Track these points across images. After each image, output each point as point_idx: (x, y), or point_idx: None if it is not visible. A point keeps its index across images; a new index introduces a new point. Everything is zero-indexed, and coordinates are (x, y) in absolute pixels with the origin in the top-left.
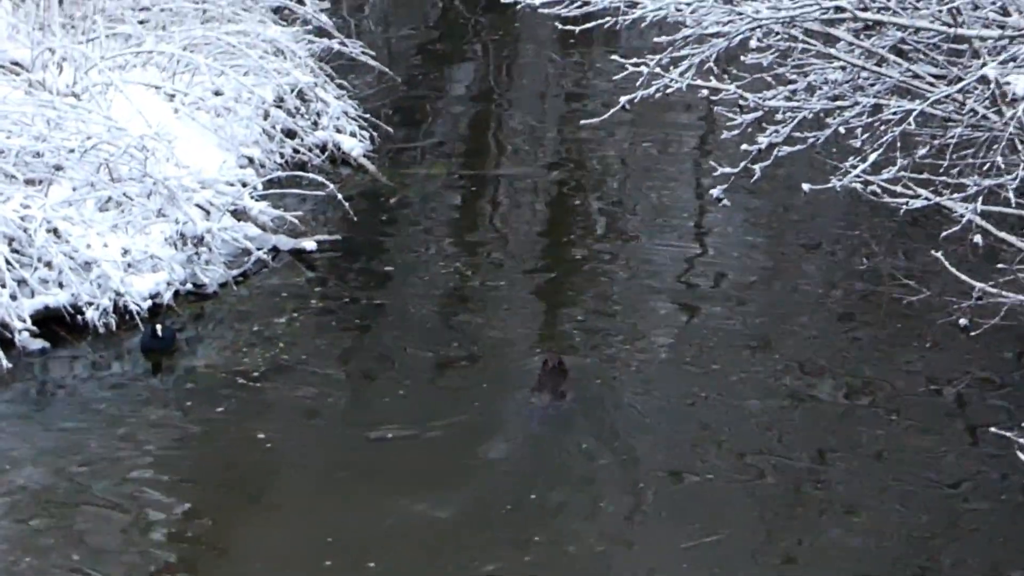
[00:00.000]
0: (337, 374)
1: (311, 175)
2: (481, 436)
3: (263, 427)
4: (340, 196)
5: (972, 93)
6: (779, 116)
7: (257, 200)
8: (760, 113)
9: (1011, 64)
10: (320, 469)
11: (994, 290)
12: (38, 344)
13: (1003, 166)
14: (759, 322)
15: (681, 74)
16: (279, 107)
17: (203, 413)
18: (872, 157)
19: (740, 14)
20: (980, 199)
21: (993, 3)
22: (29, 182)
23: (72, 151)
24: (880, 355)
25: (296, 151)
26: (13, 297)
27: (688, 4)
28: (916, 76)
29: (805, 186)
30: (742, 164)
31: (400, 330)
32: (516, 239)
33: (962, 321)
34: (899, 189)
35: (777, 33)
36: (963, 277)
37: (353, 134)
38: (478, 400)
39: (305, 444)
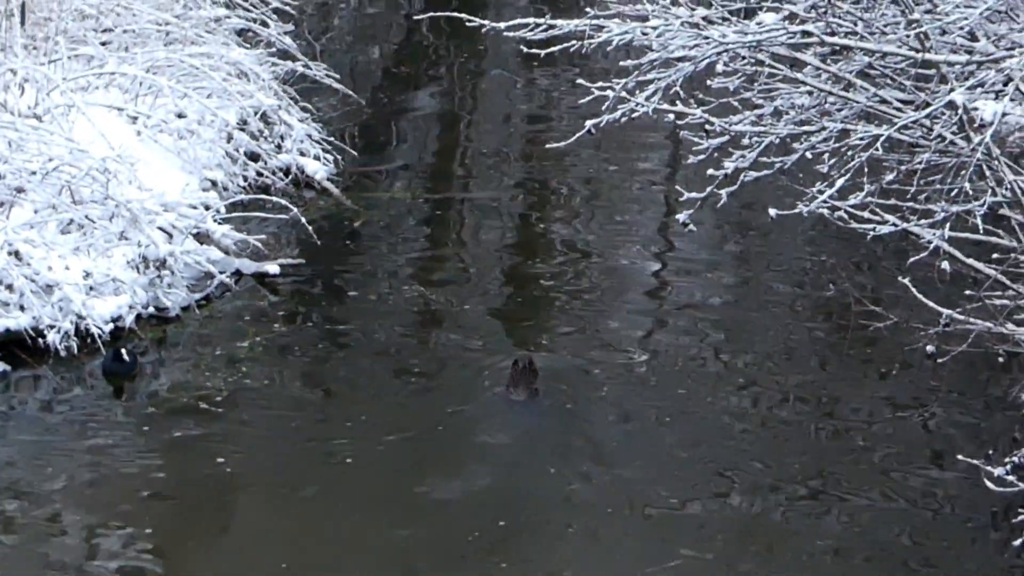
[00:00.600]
0: (299, 398)
1: (274, 198)
2: (444, 460)
3: (225, 450)
4: (304, 220)
5: (940, 118)
6: (745, 141)
7: (220, 223)
8: (726, 138)
9: (979, 89)
10: (281, 493)
11: (962, 317)
12: None
13: (971, 192)
14: (725, 346)
15: (647, 98)
16: (243, 130)
17: (165, 436)
18: (839, 182)
19: (707, 38)
20: (948, 225)
21: (961, 28)
22: None
23: (34, 173)
24: (847, 381)
25: (260, 174)
26: None
27: (654, 28)
28: (883, 101)
29: (772, 211)
30: (708, 189)
31: (363, 354)
32: (481, 262)
33: (929, 348)
34: (866, 215)
35: (744, 57)
36: (930, 304)
37: (317, 157)
38: (442, 424)
39: (267, 468)
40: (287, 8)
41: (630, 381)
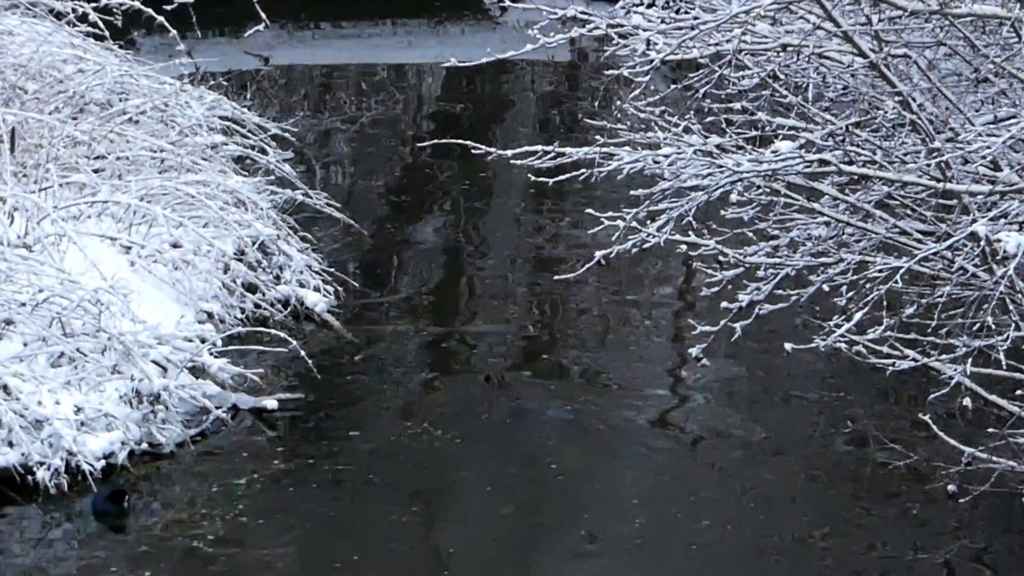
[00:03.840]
0: (296, 539)
1: (273, 331)
2: None
3: None
4: (303, 353)
5: (961, 250)
6: (760, 272)
7: (216, 357)
8: (741, 269)
9: (1002, 220)
10: None
11: (984, 455)
12: None
13: (993, 326)
14: (737, 485)
15: (659, 228)
16: (240, 260)
17: None
18: (857, 316)
19: (720, 167)
20: (969, 360)
21: (983, 158)
22: None
23: (23, 304)
24: (865, 522)
25: (257, 306)
26: None
27: (666, 156)
28: (903, 232)
29: (787, 346)
30: (722, 323)
31: (366, 494)
32: (488, 396)
33: (950, 488)
34: (885, 349)
35: (759, 187)
36: (951, 442)
37: (317, 288)
38: (450, 567)
39: None
40: (286, 135)
41: (628, 533)
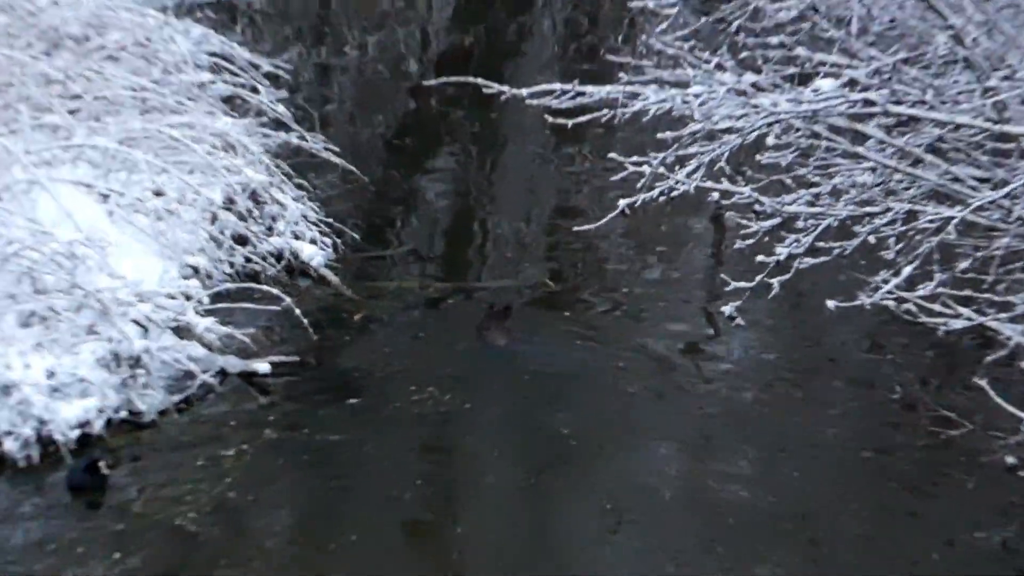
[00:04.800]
0: (290, 516)
1: (265, 287)
2: None
3: None
4: (298, 312)
5: (1020, 199)
6: (800, 223)
7: (203, 316)
8: (778, 220)
9: None
10: None
11: None
12: None
13: None
14: (777, 459)
15: (688, 175)
16: (229, 209)
17: (137, 562)
18: (906, 271)
19: (756, 107)
20: None
21: None
22: None
23: None
24: (916, 497)
25: (248, 260)
26: None
27: (696, 96)
28: (956, 179)
29: (830, 303)
30: (758, 278)
31: (365, 466)
32: (500, 358)
33: (1009, 459)
34: (937, 307)
35: (798, 129)
36: (1010, 409)
37: (313, 241)
38: (443, 552)
39: None
40: (280, 72)
41: (668, 504)
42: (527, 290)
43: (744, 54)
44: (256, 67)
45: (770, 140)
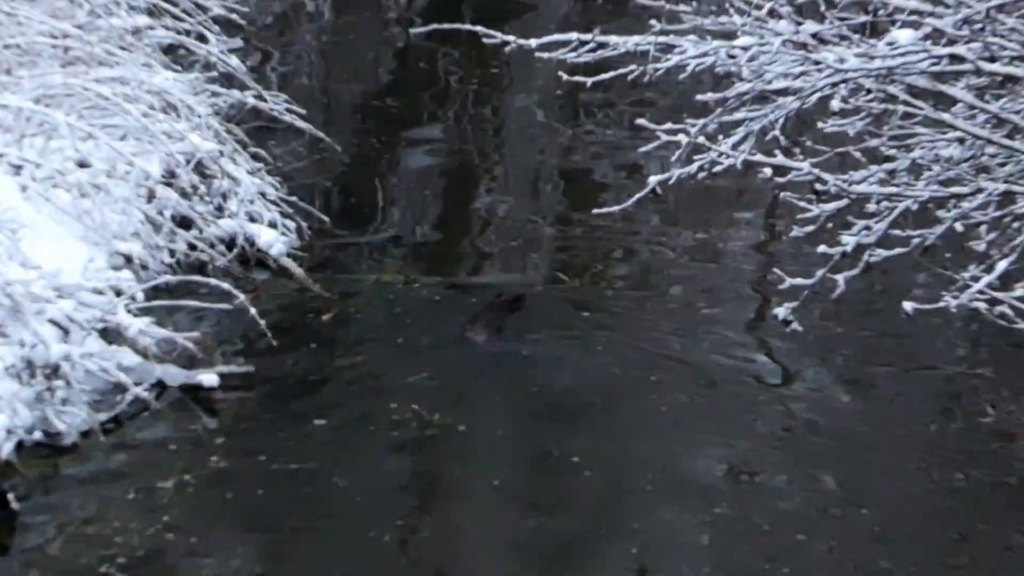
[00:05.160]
0: (241, 565)
1: (213, 280)
2: None
3: None
4: (253, 311)
5: None
6: (871, 207)
7: (136, 315)
8: (845, 202)
9: None
10: None
11: None
12: None
13: None
14: (840, 492)
15: (734, 146)
16: (169, 185)
17: None
18: (1001, 265)
19: (817, 64)
20: None
21: None
22: None
23: None
24: (1011, 548)
25: (192, 247)
26: None
27: (745, 49)
28: None
29: (907, 306)
30: (819, 274)
31: (331, 505)
32: (502, 371)
33: None
34: None
35: (869, 91)
36: None
37: (273, 224)
38: None
39: None
40: (233, 16)
41: (709, 555)
42: (536, 286)
43: None
44: (204, 10)
45: (835, 104)
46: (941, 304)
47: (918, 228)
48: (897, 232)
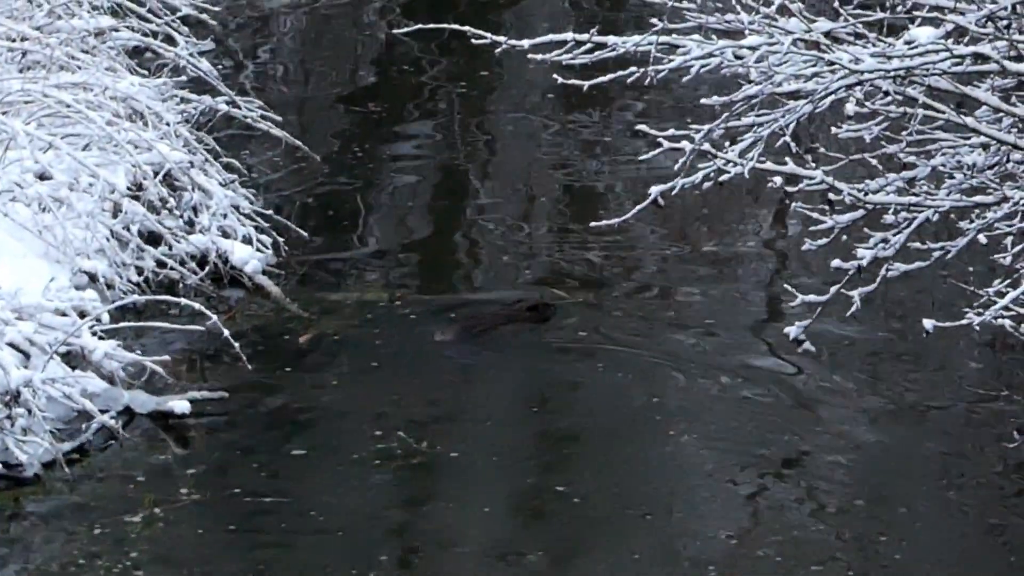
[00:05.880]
0: None
1: (184, 300)
2: None
3: None
4: (227, 333)
5: None
6: (889, 217)
7: (102, 338)
8: (860, 213)
9: None
10: None
11: None
12: None
13: None
14: (858, 521)
15: (742, 153)
16: (136, 198)
17: None
18: None
19: (831, 64)
20: None
21: None
22: None
23: None
24: None
25: (161, 264)
26: None
27: (753, 49)
28: None
29: (927, 323)
30: (833, 289)
31: (310, 540)
32: (495, 396)
33: None
34: None
35: (886, 93)
36: None
37: (248, 240)
38: None
39: None
40: (204, 17)
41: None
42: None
43: None
44: (172, 10)
45: (850, 108)
46: (964, 321)
47: (939, 240)
48: (917, 245)
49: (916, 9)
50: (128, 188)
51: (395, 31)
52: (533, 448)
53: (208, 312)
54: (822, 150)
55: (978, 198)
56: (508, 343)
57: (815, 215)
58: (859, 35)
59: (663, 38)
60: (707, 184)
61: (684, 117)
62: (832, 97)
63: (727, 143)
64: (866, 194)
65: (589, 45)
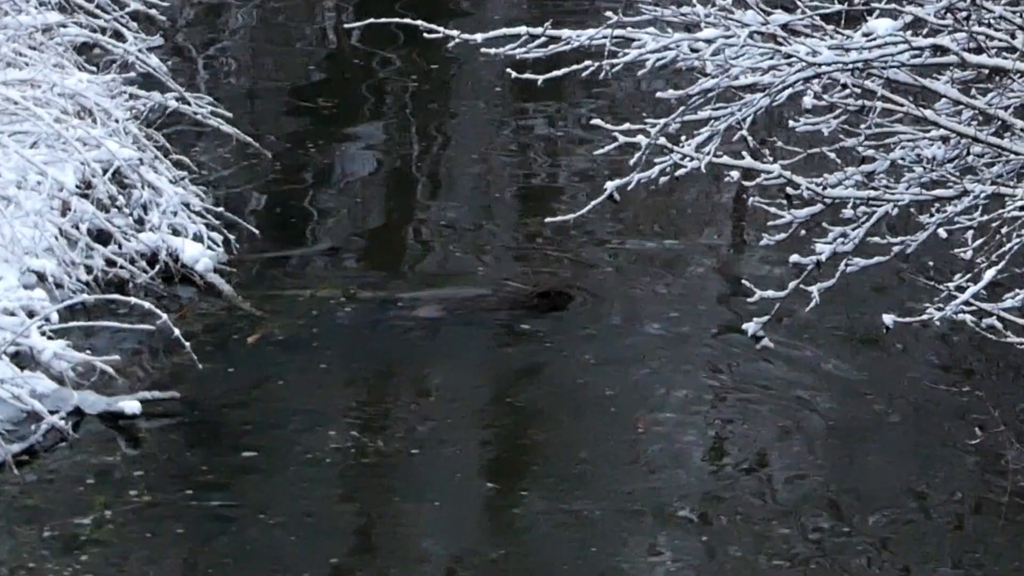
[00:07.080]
0: None
1: (134, 299)
2: None
3: None
4: (178, 332)
5: None
6: (848, 212)
7: (51, 338)
8: (819, 207)
9: None
10: None
11: None
12: None
13: None
14: (818, 519)
15: (698, 148)
16: (85, 196)
17: None
18: (988, 274)
19: (788, 57)
20: None
21: None
22: None
23: None
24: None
25: (111, 263)
26: None
27: (709, 42)
28: None
29: (887, 318)
30: (791, 285)
31: (262, 543)
32: (449, 390)
33: None
34: None
35: (844, 86)
36: None
37: (198, 237)
38: None
39: None
40: (152, 12)
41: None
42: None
43: None
44: (120, 5)
45: (807, 101)
46: (924, 316)
47: (899, 235)
48: (876, 239)
49: (874, 1)
50: (77, 186)
51: (347, 26)
52: (492, 445)
53: (159, 311)
54: (779, 144)
55: (938, 192)
56: (471, 335)
57: (773, 210)
58: (816, 27)
59: (618, 31)
60: (663, 179)
61: (639, 111)
62: (789, 90)
63: (683, 137)
64: (824, 188)
65: (543, 38)
